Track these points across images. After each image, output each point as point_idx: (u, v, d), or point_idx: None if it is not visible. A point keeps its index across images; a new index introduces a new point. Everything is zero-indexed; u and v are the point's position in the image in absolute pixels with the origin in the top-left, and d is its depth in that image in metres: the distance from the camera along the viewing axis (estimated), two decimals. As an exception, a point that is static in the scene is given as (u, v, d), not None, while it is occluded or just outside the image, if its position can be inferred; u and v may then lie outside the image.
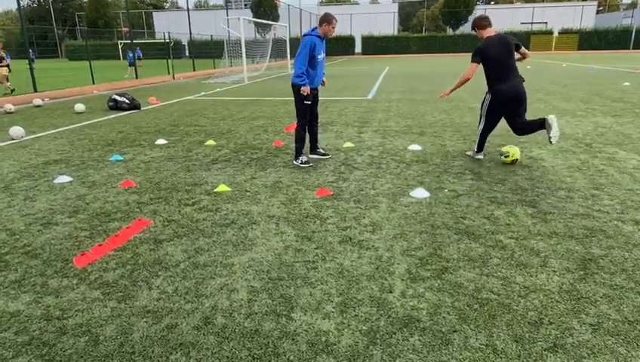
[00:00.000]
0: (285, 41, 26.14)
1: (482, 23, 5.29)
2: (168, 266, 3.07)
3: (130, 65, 22.39)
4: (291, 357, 2.16)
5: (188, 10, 32.15)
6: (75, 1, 73.72)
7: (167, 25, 49.86)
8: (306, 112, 5.40)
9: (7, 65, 14.77)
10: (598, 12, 59.58)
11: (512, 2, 67.43)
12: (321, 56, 5.28)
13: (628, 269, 2.89)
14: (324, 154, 5.87)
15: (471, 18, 51.27)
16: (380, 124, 8.20)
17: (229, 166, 5.60)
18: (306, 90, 5.13)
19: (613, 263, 2.96)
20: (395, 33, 56.31)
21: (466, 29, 51.21)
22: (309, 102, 5.33)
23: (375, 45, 51.25)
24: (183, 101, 12.64)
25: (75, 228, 3.76)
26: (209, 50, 30.92)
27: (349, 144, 6.55)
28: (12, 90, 14.47)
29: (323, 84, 5.59)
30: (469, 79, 5.31)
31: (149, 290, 2.77)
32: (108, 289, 2.79)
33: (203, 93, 14.50)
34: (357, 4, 71.14)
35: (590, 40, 46.79)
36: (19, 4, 14.21)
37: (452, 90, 5.60)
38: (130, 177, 5.18)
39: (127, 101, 10.79)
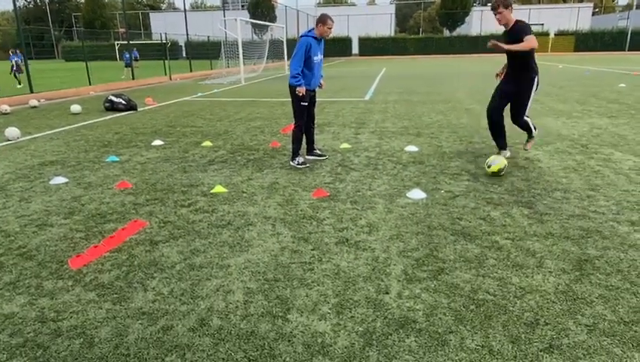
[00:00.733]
0: (282, 42, 26.15)
1: (511, 1, 4.87)
2: (164, 268, 3.06)
3: (126, 67, 22.36)
4: (287, 359, 2.15)
5: (185, 11, 32.23)
6: (71, 1, 73.54)
7: (164, 26, 49.76)
8: (303, 113, 5.39)
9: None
10: (594, 14, 59.88)
11: (508, 4, 67.48)
12: (317, 57, 5.27)
13: (623, 270, 2.89)
14: (320, 155, 5.87)
15: (468, 20, 51.49)
16: (376, 125, 8.20)
17: (226, 167, 5.59)
18: (301, 90, 5.12)
19: (609, 264, 2.97)
20: (392, 34, 56.39)
21: (462, 30, 51.36)
22: (306, 103, 5.32)
23: (372, 46, 51.35)
24: (180, 102, 12.62)
25: (70, 229, 3.74)
26: (206, 51, 30.90)
27: (345, 145, 6.56)
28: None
29: (320, 86, 5.57)
30: (534, 48, 4.90)
31: (144, 292, 2.76)
32: (103, 291, 2.77)
33: (200, 94, 14.48)
34: (354, 5, 71.20)
35: (586, 41, 47.03)
36: (15, 4, 14.16)
37: (510, 48, 4.90)
38: (126, 178, 5.17)
39: (123, 102, 10.77)
